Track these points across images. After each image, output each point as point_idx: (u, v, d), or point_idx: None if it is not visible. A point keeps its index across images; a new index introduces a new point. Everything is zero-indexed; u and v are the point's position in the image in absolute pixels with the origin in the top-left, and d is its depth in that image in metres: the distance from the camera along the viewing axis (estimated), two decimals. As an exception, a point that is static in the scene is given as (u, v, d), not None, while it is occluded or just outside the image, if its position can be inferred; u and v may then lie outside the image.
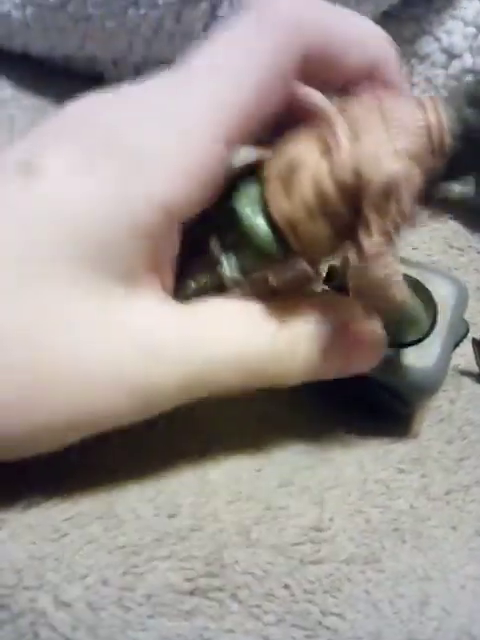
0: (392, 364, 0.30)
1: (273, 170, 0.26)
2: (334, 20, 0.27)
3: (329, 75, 0.28)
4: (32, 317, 0.23)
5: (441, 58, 0.44)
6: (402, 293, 0.26)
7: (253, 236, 0.26)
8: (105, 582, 0.25)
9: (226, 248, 0.27)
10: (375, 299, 0.26)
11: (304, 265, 0.27)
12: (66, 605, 0.24)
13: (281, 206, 0.26)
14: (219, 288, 0.27)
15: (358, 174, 0.24)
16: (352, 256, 0.25)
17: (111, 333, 0.24)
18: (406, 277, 0.29)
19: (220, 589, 0.26)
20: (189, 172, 0.25)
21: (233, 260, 0.27)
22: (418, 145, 0.25)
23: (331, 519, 0.29)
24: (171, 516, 0.27)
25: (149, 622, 0.25)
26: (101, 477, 0.28)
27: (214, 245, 0.27)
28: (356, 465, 0.31)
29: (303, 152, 0.26)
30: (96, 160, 0.24)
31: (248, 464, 0.30)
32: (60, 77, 0.49)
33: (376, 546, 0.28)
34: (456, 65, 0.43)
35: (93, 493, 0.27)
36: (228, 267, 0.27)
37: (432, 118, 0.25)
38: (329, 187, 0.25)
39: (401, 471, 0.31)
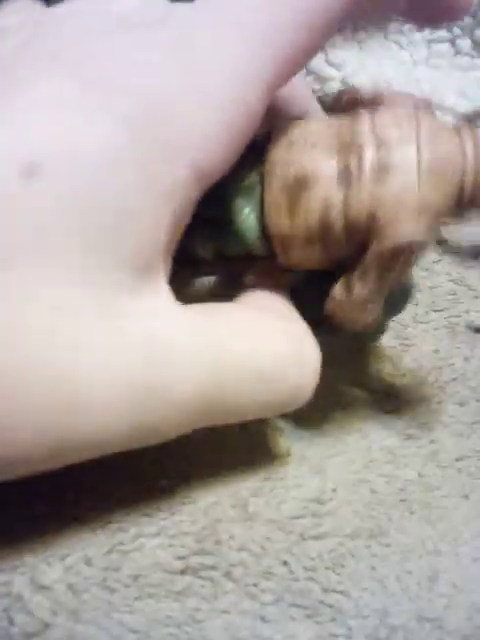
0: None
1: (279, 172, 0.23)
2: None
3: None
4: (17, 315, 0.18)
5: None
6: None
7: (242, 235, 0.24)
8: (88, 562, 0.23)
9: (212, 232, 0.25)
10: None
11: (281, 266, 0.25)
12: (44, 588, 0.23)
13: (280, 222, 0.23)
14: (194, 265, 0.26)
15: (373, 217, 0.22)
16: (339, 290, 0.24)
17: (114, 336, 0.19)
18: None
19: (213, 567, 0.24)
20: (222, 128, 0.20)
21: (211, 245, 0.25)
22: (448, 194, 0.22)
23: (334, 490, 0.27)
24: (162, 488, 0.26)
25: (136, 604, 0.23)
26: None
27: (200, 230, 0.25)
28: (358, 433, 0.29)
29: (318, 168, 0.22)
30: (101, 97, 0.19)
31: (242, 436, 0.28)
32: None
33: (382, 519, 0.27)
34: (471, 0, 0.40)
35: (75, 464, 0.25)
36: (206, 249, 0.25)
37: (470, 154, 0.22)
38: (338, 220, 0.22)
39: (408, 437, 0.29)
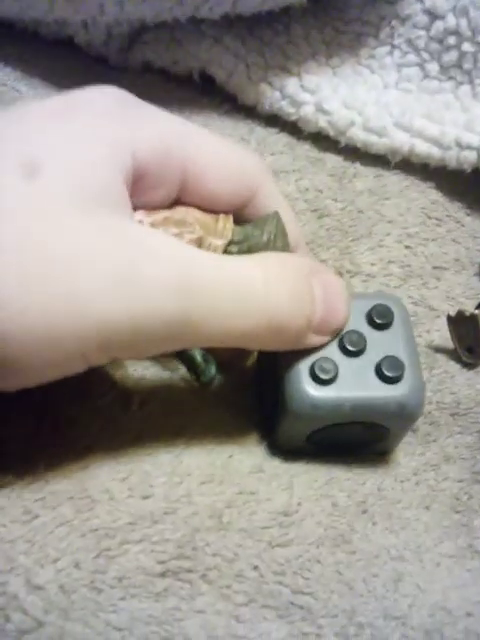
0: None
1: None
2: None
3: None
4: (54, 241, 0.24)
5: (423, 19, 0.43)
6: None
7: None
8: (77, 565, 0.25)
9: None
10: None
11: None
12: (38, 588, 0.24)
13: None
14: None
15: None
16: None
17: (111, 242, 0.25)
18: None
19: (191, 571, 0.26)
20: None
21: None
22: None
23: (299, 503, 0.29)
24: (145, 497, 0.28)
25: (121, 604, 0.25)
26: (74, 456, 0.28)
27: None
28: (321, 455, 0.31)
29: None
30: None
31: (220, 450, 0.30)
32: (26, 42, 0.46)
33: (344, 528, 0.29)
34: (439, 26, 0.42)
35: (65, 472, 0.27)
36: None
37: None
38: None
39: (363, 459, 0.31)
